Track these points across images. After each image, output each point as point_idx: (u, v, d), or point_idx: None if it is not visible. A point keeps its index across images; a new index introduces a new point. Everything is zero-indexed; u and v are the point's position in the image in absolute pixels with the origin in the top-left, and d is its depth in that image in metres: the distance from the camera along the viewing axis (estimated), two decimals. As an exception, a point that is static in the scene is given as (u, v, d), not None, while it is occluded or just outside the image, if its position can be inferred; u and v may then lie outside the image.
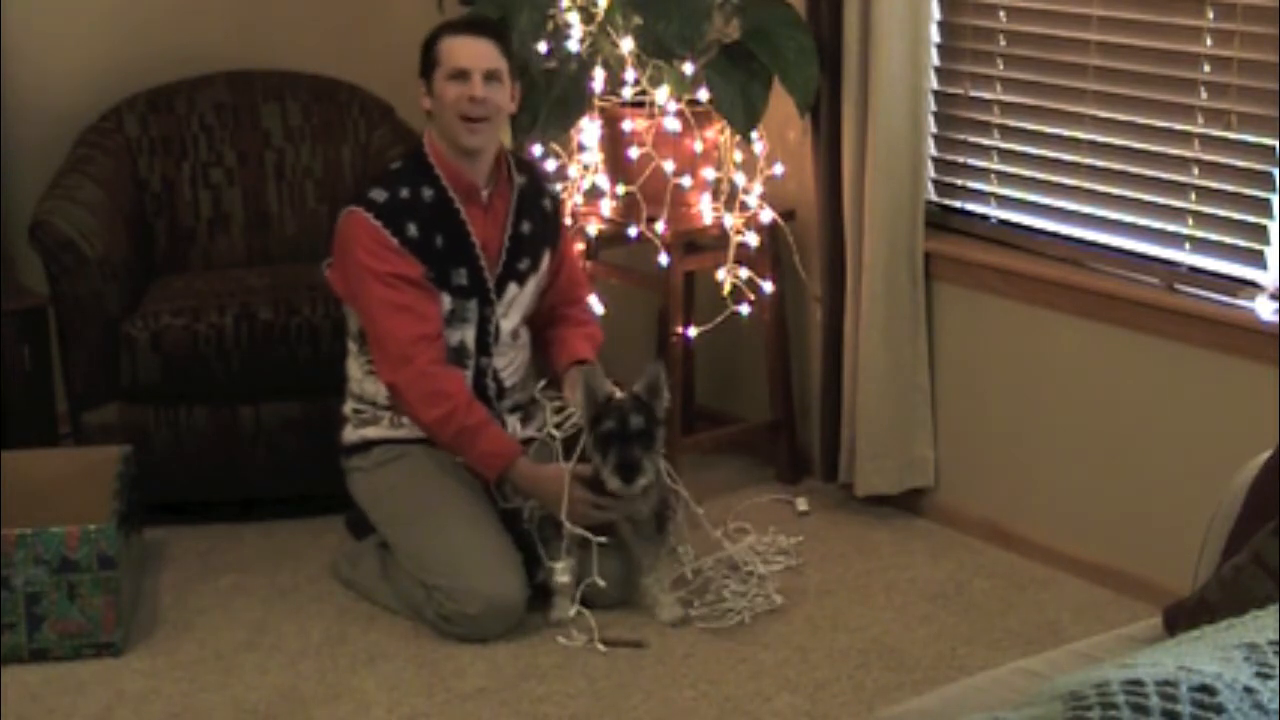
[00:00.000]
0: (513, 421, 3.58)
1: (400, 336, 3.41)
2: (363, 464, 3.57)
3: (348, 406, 3.61)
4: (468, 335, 3.52)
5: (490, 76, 3.45)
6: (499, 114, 3.50)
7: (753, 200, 3.98)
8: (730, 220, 3.94)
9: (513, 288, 3.58)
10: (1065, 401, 3.72)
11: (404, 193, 3.47)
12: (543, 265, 3.64)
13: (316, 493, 3.93)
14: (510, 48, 3.55)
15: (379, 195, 3.47)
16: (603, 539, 3.42)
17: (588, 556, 3.43)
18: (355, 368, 3.58)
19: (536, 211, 3.62)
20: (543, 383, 3.63)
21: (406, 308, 3.42)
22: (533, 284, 3.63)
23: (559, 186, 3.89)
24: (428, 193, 3.49)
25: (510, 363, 3.61)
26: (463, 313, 3.51)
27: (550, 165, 3.95)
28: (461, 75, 3.45)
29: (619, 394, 3.43)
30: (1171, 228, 3.51)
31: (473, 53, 3.46)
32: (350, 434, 3.59)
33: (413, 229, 3.45)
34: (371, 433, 3.55)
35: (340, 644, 3.41)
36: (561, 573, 3.43)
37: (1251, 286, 3.36)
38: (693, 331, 4.07)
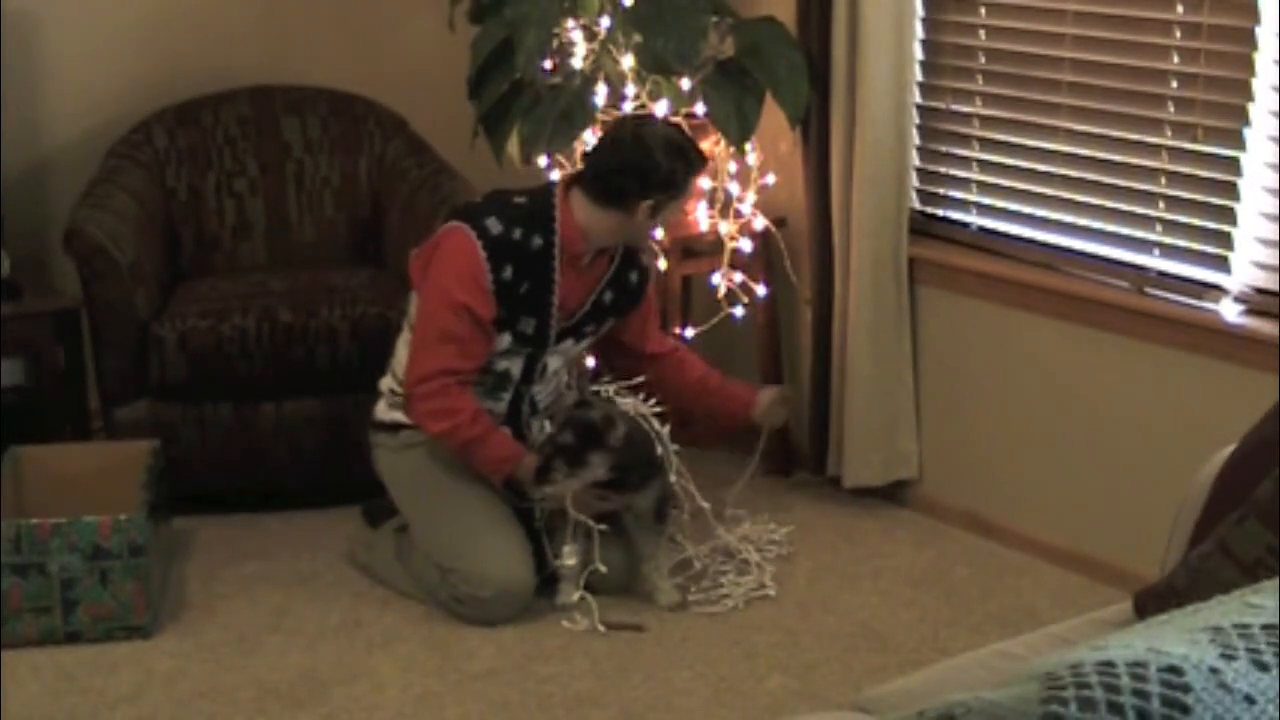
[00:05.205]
0: (537, 424, 3.57)
1: (434, 364, 3.37)
2: (389, 443, 3.55)
3: (386, 383, 3.56)
4: (515, 367, 3.49)
5: None
6: None
7: (746, 208, 3.99)
8: (725, 227, 3.96)
9: (569, 342, 3.56)
10: (1041, 398, 3.74)
11: (517, 233, 3.38)
12: (604, 330, 3.62)
13: (334, 484, 3.96)
14: None
15: (495, 226, 3.37)
16: (603, 526, 3.46)
17: (591, 544, 3.47)
18: (404, 353, 3.50)
19: (624, 283, 3.59)
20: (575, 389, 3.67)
21: (458, 340, 3.36)
22: (587, 342, 3.62)
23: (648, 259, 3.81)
24: (537, 241, 3.40)
25: (548, 388, 3.61)
26: (516, 353, 3.48)
27: (554, 175, 3.87)
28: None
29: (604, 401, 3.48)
30: (1141, 234, 3.53)
31: None
32: (384, 411, 3.56)
33: (508, 271, 3.37)
34: (403, 417, 3.50)
35: (357, 627, 3.45)
36: (568, 556, 3.46)
37: (1216, 290, 3.40)
38: (689, 332, 4.07)
